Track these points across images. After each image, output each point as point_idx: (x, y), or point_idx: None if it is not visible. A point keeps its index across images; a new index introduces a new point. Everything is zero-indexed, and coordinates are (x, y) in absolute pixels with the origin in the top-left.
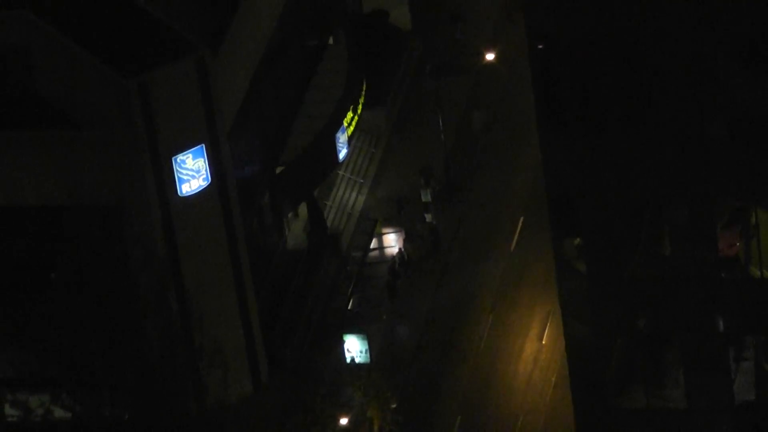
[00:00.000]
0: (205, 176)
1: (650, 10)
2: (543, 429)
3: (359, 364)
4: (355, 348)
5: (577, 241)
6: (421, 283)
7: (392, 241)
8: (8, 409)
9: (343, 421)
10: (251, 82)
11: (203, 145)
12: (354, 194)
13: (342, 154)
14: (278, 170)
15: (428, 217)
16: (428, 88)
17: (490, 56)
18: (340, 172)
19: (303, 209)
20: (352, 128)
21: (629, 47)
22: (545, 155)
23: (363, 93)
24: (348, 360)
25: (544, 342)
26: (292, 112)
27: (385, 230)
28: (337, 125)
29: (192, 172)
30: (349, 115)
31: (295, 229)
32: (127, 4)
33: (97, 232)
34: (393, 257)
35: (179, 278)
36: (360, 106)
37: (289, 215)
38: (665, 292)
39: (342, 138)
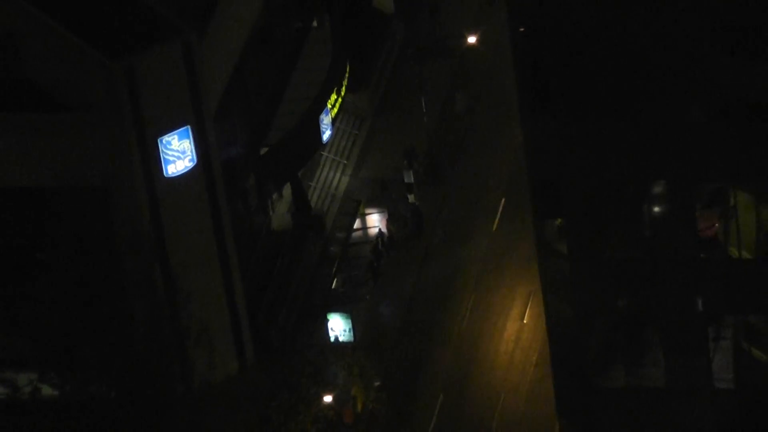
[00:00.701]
0: (190, 157)
1: None
2: (524, 407)
3: (343, 343)
4: (339, 327)
5: (559, 222)
6: (404, 263)
7: (375, 222)
8: None
9: (328, 399)
10: (237, 64)
11: (189, 127)
12: (338, 175)
13: (326, 135)
14: (263, 151)
15: (411, 198)
16: (411, 70)
17: (472, 39)
18: (324, 154)
19: (287, 190)
20: (335, 110)
21: (611, 32)
22: (527, 138)
23: (346, 75)
24: (332, 339)
25: (525, 321)
26: (276, 94)
27: (368, 211)
28: (321, 107)
29: (178, 153)
30: (333, 97)
31: (280, 210)
32: None
33: (84, 212)
34: (375, 237)
35: (165, 258)
36: (344, 89)
37: (274, 196)
38: (645, 273)
39: (326, 120)
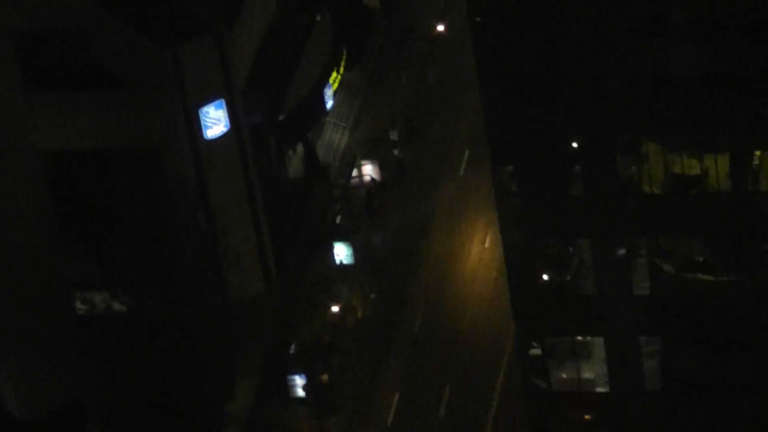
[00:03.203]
0: (224, 123)
1: None
2: (487, 312)
3: (346, 265)
4: (342, 252)
5: (510, 168)
6: (391, 202)
7: (369, 171)
8: (79, 305)
9: (335, 308)
10: (258, 50)
11: (222, 100)
12: (339, 135)
13: (329, 105)
14: (281, 118)
15: (396, 152)
16: (393, 54)
17: (440, 27)
18: (328, 119)
19: (300, 148)
20: (336, 85)
21: (547, 17)
22: (484, 102)
23: (344, 58)
24: (337, 262)
25: (486, 246)
26: (290, 73)
27: (363, 162)
28: (324, 83)
29: (214, 120)
30: (334, 74)
31: (294, 163)
32: None
33: (142, 168)
34: (369, 182)
35: (207, 202)
36: (342, 68)
37: (290, 152)
38: (577, 207)
39: (329, 92)
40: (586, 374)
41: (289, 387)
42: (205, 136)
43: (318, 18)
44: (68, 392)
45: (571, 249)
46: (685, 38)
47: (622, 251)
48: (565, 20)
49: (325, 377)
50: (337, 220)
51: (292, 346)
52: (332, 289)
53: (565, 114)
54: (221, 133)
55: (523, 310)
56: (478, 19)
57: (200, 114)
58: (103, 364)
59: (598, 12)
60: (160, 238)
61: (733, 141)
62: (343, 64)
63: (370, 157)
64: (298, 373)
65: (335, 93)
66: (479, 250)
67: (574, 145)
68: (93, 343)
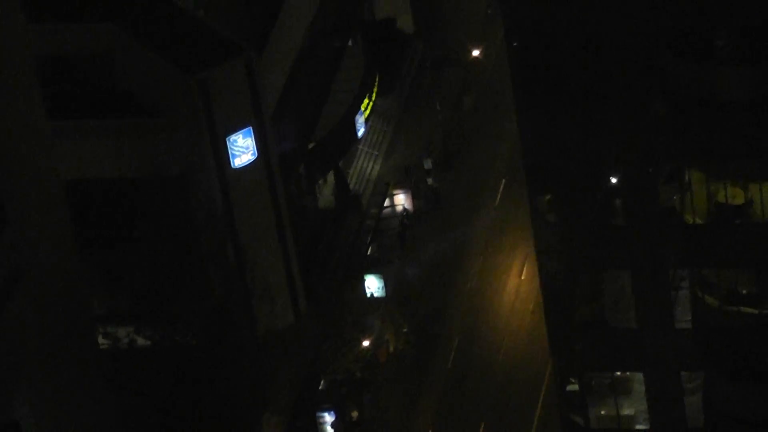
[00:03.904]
0: (253, 152)
1: (603, 12)
2: (523, 347)
3: (377, 298)
4: (374, 285)
5: (548, 197)
6: (425, 233)
7: (402, 200)
8: (101, 339)
9: (366, 343)
10: (288, 76)
11: (251, 127)
12: (371, 164)
13: (360, 132)
14: (311, 146)
15: (429, 181)
16: (427, 79)
17: (476, 52)
18: (360, 147)
19: (331, 176)
20: (368, 112)
21: (587, 42)
22: (522, 129)
23: (376, 83)
24: (368, 295)
25: (522, 278)
26: (321, 99)
27: (395, 191)
28: (356, 109)
29: (242, 148)
30: (366, 101)
31: (325, 192)
32: (189, 18)
33: (170, 197)
34: (402, 212)
35: (235, 232)
36: (374, 94)
37: (320, 181)
38: (619, 237)
39: (360, 120)
40: (626, 411)
41: (318, 424)
42: (233, 165)
43: (350, 43)
44: (91, 428)
45: (610, 281)
46: (729, 63)
47: (665, 282)
48: (605, 45)
49: (355, 414)
50: (369, 252)
51: (322, 382)
52: (363, 322)
53: (605, 141)
54: (249, 162)
55: (560, 345)
56: (516, 43)
57: (228, 142)
58: (128, 399)
59: (641, 36)
60: (186, 269)
61: None
62: (375, 90)
63: (403, 186)
64: (328, 410)
65: (367, 120)
66: (516, 282)
67: (615, 173)
68: (117, 378)
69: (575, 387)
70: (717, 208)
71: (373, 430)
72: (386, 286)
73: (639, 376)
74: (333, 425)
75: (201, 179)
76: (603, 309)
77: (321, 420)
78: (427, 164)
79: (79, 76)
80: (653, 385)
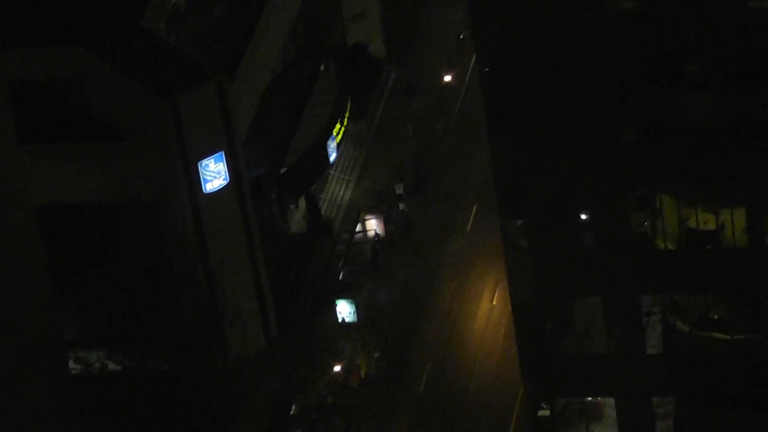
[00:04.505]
0: (224, 176)
1: (574, 39)
2: (495, 372)
3: (349, 323)
4: (345, 310)
5: (520, 222)
6: (397, 258)
7: (373, 226)
8: (72, 364)
9: (337, 368)
10: (260, 100)
11: (223, 152)
12: (342, 189)
13: (332, 157)
14: (283, 171)
15: (401, 206)
16: (399, 104)
17: (448, 78)
18: (332, 172)
19: (302, 201)
20: (340, 137)
21: (558, 68)
22: (494, 155)
23: (348, 109)
24: (340, 320)
25: (494, 303)
26: (292, 124)
27: (367, 217)
28: (328, 134)
29: (214, 173)
30: (338, 126)
31: (297, 217)
32: (161, 42)
33: (141, 222)
34: (373, 238)
35: (206, 257)
36: (346, 119)
37: (292, 206)
38: (590, 263)
39: (332, 145)
40: None
41: None
42: (204, 190)
43: (322, 67)
44: None
45: (582, 306)
46: (700, 88)
47: (636, 308)
48: (577, 70)
49: None
50: (341, 276)
51: (294, 407)
52: (335, 347)
53: (576, 166)
54: (221, 187)
55: (532, 370)
56: (488, 69)
57: (200, 167)
58: (98, 424)
59: (612, 62)
60: (158, 294)
61: (750, 194)
62: (347, 115)
63: (374, 211)
64: None
65: (339, 145)
66: (488, 307)
67: (586, 199)
68: (88, 404)
69: (546, 412)
70: (688, 233)
71: None
72: (358, 311)
73: (610, 402)
74: None
75: (172, 204)
76: (574, 334)
77: None
78: (399, 189)
79: (50, 100)
80: (625, 411)
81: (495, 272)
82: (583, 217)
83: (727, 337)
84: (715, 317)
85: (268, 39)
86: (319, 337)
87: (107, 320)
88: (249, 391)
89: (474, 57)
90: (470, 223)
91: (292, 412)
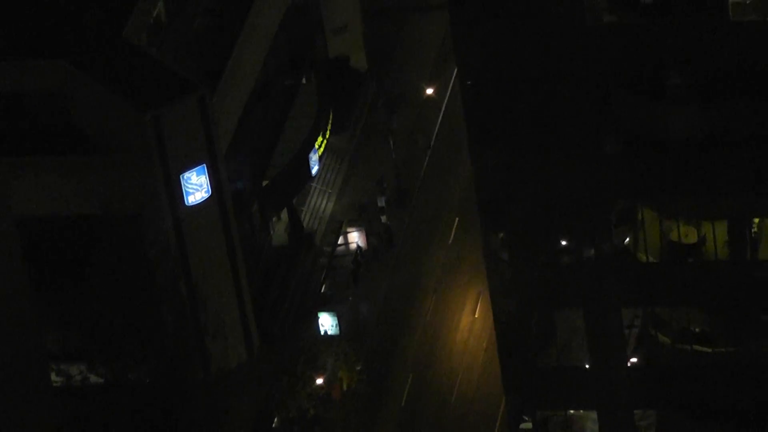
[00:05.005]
0: (206, 189)
1: (556, 52)
2: (477, 384)
3: (331, 336)
4: (327, 323)
5: (501, 235)
6: (378, 270)
7: (355, 238)
8: (54, 377)
9: (319, 380)
10: (242, 113)
11: (204, 165)
12: (324, 201)
13: (314, 170)
14: (264, 183)
15: (383, 219)
16: (381, 117)
17: (429, 91)
18: (313, 184)
19: (284, 214)
20: (322, 149)
21: (540, 81)
22: (475, 168)
23: (330, 121)
24: (322, 332)
25: (476, 315)
26: (274, 137)
27: (349, 229)
28: (310, 147)
29: (196, 186)
30: (320, 139)
31: (279, 230)
32: (143, 55)
33: (123, 235)
34: (355, 250)
35: (188, 270)
36: (328, 132)
37: (274, 219)
38: (572, 275)
39: (314, 157)
40: None
41: None
42: (186, 203)
43: (304, 80)
44: None
45: (563, 319)
46: (682, 102)
47: (617, 320)
48: (559, 83)
49: None
50: (323, 289)
51: (276, 420)
52: (317, 360)
53: (558, 179)
54: (203, 199)
55: (513, 383)
56: (469, 82)
57: (182, 179)
58: None
59: (594, 75)
60: (139, 307)
61: (731, 208)
62: (329, 127)
63: (356, 224)
64: None
65: (321, 158)
66: (469, 320)
67: (568, 211)
68: (70, 416)
69: (529, 425)
70: (670, 246)
71: None
72: (340, 323)
73: (592, 415)
74: None
75: (154, 216)
76: (556, 347)
77: None
78: (381, 202)
79: (31, 113)
80: (606, 423)
81: (477, 285)
82: (565, 230)
83: (709, 349)
84: (697, 330)
85: (250, 51)
86: (301, 349)
87: (89, 333)
88: (231, 403)
89: (455, 70)
90: (452, 236)
91: (274, 425)
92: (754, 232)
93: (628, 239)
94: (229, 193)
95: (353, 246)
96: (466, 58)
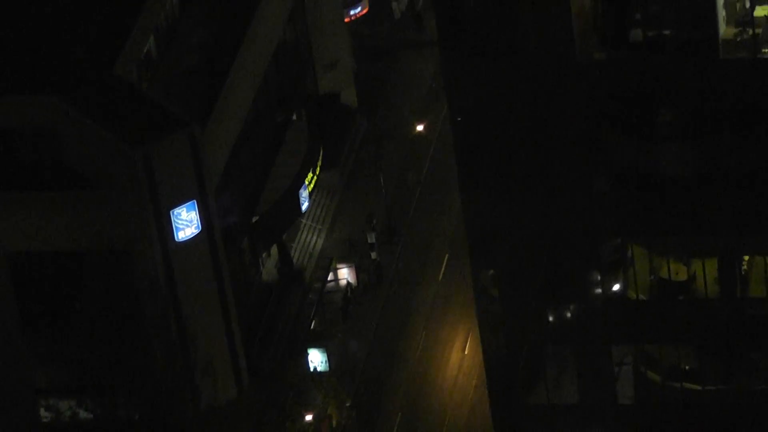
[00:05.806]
0: (196, 225)
1: (545, 89)
2: (467, 422)
3: (320, 372)
4: (317, 359)
5: (491, 272)
6: (368, 306)
7: (345, 274)
8: (43, 412)
9: (309, 417)
10: (232, 149)
11: (195, 201)
12: (314, 237)
13: (304, 206)
14: (254, 219)
15: (373, 255)
16: (371, 153)
17: (420, 127)
18: (303, 221)
19: (274, 250)
20: (312, 185)
21: (530, 118)
22: (465, 204)
23: (320, 157)
24: (311, 369)
25: (466, 352)
26: (264, 173)
27: (339, 265)
28: (300, 183)
29: (186, 222)
30: (310, 175)
31: (269, 266)
32: (133, 91)
33: (112, 270)
34: (345, 286)
35: (177, 306)
36: (318, 168)
37: (264, 255)
38: (561, 313)
39: (304, 193)
40: None
41: None
42: (176, 238)
43: (294, 116)
44: None
45: (553, 356)
46: (671, 139)
47: (607, 358)
48: (548, 120)
49: None
50: (312, 325)
51: None
52: (306, 396)
53: (548, 217)
54: (193, 235)
55: (503, 420)
56: (459, 119)
57: (172, 215)
58: None
59: (583, 112)
60: (129, 342)
61: (721, 245)
62: (319, 164)
63: (346, 260)
64: None
65: (311, 194)
66: (459, 356)
67: (558, 249)
68: None
69: None
70: (660, 283)
71: None
72: (329, 360)
73: None
74: None
75: (144, 252)
76: (546, 384)
77: None
78: (371, 238)
79: (21, 149)
80: None
81: (467, 321)
82: (555, 266)
83: (699, 387)
84: (687, 368)
85: (240, 87)
86: (291, 385)
87: (78, 368)
88: None
89: (446, 107)
90: (442, 272)
91: None
92: (744, 270)
93: (618, 285)
94: (219, 229)
95: (343, 282)
96: (456, 95)
